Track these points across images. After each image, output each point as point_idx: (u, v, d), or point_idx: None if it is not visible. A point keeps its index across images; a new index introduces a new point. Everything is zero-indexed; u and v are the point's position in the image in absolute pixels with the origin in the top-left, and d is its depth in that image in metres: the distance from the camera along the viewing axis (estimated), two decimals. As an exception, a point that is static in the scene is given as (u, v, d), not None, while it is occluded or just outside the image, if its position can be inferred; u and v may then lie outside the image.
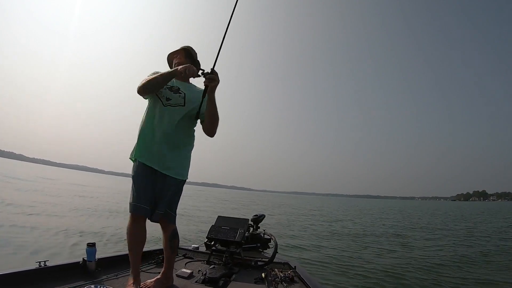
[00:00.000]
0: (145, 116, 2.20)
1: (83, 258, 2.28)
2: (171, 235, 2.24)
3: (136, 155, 2.15)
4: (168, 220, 2.21)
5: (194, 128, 2.33)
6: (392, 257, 7.00)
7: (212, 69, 2.03)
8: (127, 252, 2.87)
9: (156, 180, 2.13)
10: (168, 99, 2.18)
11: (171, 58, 2.42)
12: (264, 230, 3.57)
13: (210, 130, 2.21)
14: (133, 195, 2.07)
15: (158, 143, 2.12)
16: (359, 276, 5.31)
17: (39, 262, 2.07)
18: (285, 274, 2.57)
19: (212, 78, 2.02)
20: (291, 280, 2.50)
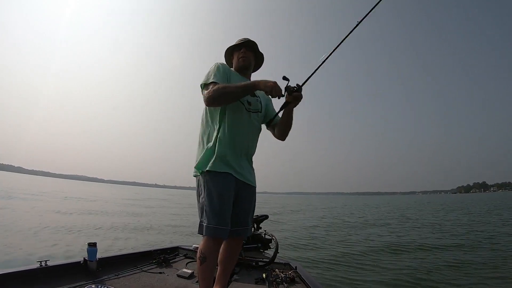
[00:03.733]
0: (224, 122, 1.88)
1: (84, 258, 2.29)
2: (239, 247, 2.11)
3: (219, 167, 1.81)
4: (247, 234, 2.02)
5: None
6: (397, 259, 6.91)
7: (299, 86, 1.83)
8: (128, 252, 2.91)
9: (239, 192, 1.90)
10: (249, 104, 1.96)
11: (231, 52, 2.12)
12: (265, 231, 3.56)
13: (284, 136, 2.07)
14: (215, 215, 1.76)
15: (244, 152, 1.93)
16: (361, 276, 5.28)
17: (40, 261, 2.08)
18: (286, 274, 2.56)
19: (298, 97, 1.84)
20: (292, 281, 2.49)
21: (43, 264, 2.07)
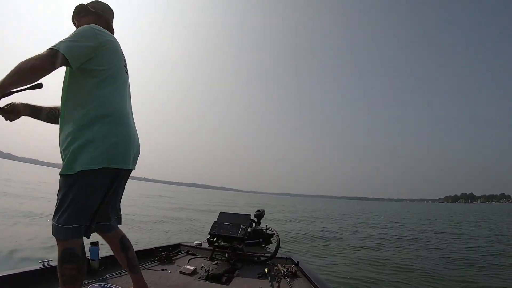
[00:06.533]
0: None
1: (86, 257, 2.26)
2: None
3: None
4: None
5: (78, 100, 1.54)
6: (393, 254, 7.00)
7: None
8: None
9: None
10: None
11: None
12: (266, 225, 3.57)
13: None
14: None
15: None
16: (361, 270, 5.35)
17: (43, 262, 2.06)
18: (288, 269, 2.58)
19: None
20: (294, 275, 2.52)
21: (46, 264, 2.05)
